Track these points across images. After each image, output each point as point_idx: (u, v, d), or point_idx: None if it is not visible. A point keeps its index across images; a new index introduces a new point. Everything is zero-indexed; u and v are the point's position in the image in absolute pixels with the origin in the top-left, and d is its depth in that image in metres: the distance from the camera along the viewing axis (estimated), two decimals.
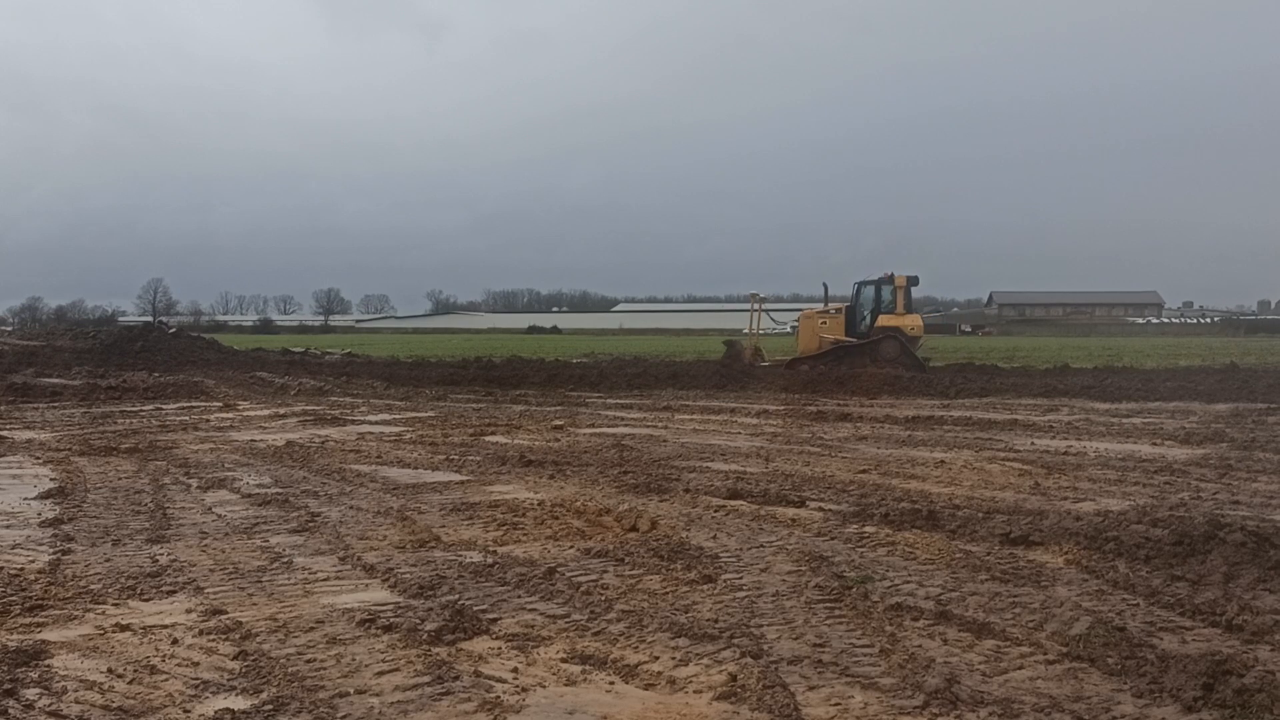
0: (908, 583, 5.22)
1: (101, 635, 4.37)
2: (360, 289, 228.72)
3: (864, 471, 9.21)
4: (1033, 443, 11.56)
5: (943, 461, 9.87)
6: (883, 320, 25.08)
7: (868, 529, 6.54)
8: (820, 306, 27.10)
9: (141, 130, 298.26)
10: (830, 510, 7.20)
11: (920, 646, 4.23)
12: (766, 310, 29.21)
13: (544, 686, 3.81)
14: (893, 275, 25.28)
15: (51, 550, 5.96)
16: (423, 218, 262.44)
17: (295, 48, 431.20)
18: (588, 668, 4.00)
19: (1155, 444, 11.40)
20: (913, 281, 25.43)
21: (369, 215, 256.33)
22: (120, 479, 8.75)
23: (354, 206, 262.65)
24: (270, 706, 3.56)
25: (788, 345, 28.22)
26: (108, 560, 5.72)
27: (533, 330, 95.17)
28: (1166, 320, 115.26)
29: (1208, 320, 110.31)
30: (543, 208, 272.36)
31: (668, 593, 5.05)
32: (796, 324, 27.29)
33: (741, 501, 7.53)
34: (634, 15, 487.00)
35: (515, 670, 3.96)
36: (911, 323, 25.27)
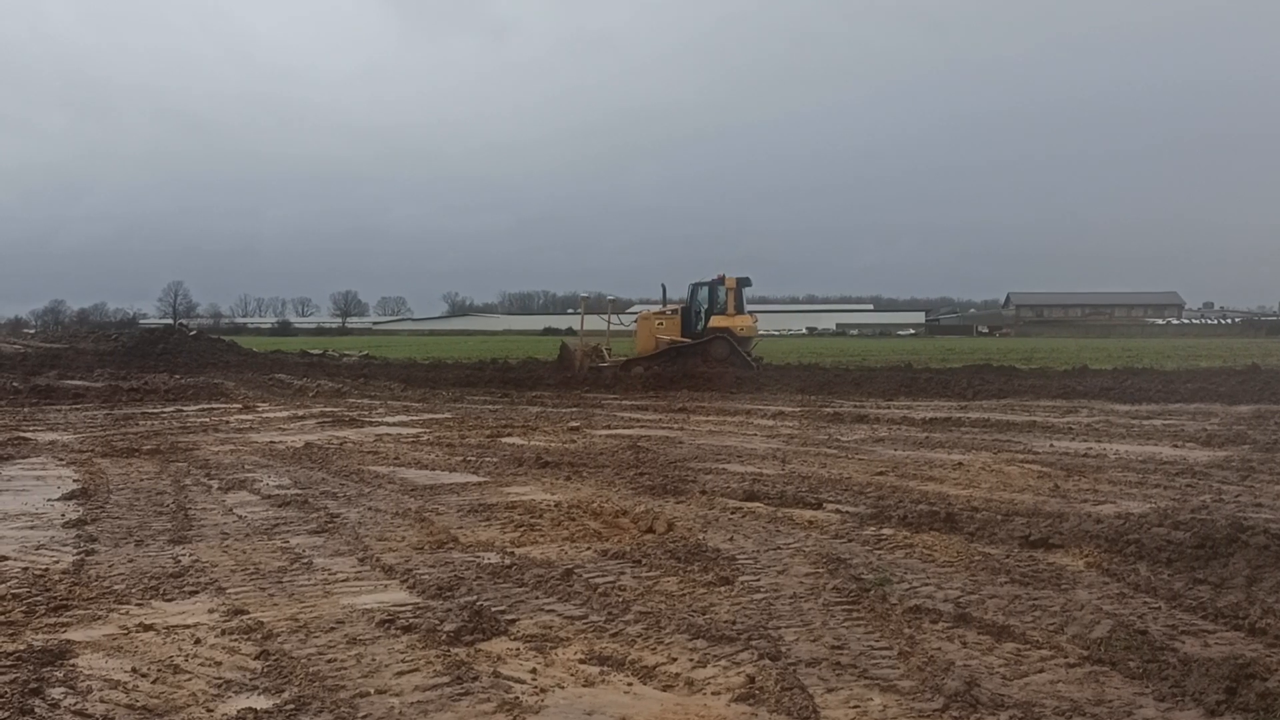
0: (926, 585, 5.20)
1: (125, 635, 4.41)
2: (380, 291, 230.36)
3: (881, 473, 9.19)
4: (1052, 444, 11.49)
5: (961, 463, 9.83)
6: (715, 321, 25.39)
7: (885, 531, 6.52)
8: (658, 308, 27.17)
9: (199, 136, 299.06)
10: (848, 512, 7.18)
11: (939, 649, 4.22)
12: (615, 313, 29.06)
13: (562, 687, 3.82)
14: (724, 276, 25.56)
15: (75, 551, 6.02)
16: (465, 222, 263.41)
17: (365, 53, 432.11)
18: (606, 669, 4.01)
19: (1176, 446, 11.31)
20: (744, 283, 25.87)
21: (413, 220, 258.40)
22: (142, 480, 8.83)
23: (400, 212, 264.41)
24: (292, 706, 3.59)
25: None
26: (131, 561, 5.78)
27: (548, 332, 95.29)
28: (1187, 321, 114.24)
29: (1228, 321, 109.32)
30: (586, 211, 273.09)
31: (685, 594, 5.05)
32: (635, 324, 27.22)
33: (758, 503, 7.52)
34: (701, 13, 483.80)
35: (534, 671, 3.98)
36: (742, 323, 25.59)
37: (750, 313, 26.67)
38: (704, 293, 25.90)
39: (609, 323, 28.01)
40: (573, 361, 25.38)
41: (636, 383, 21.65)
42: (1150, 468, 9.49)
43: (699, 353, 24.78)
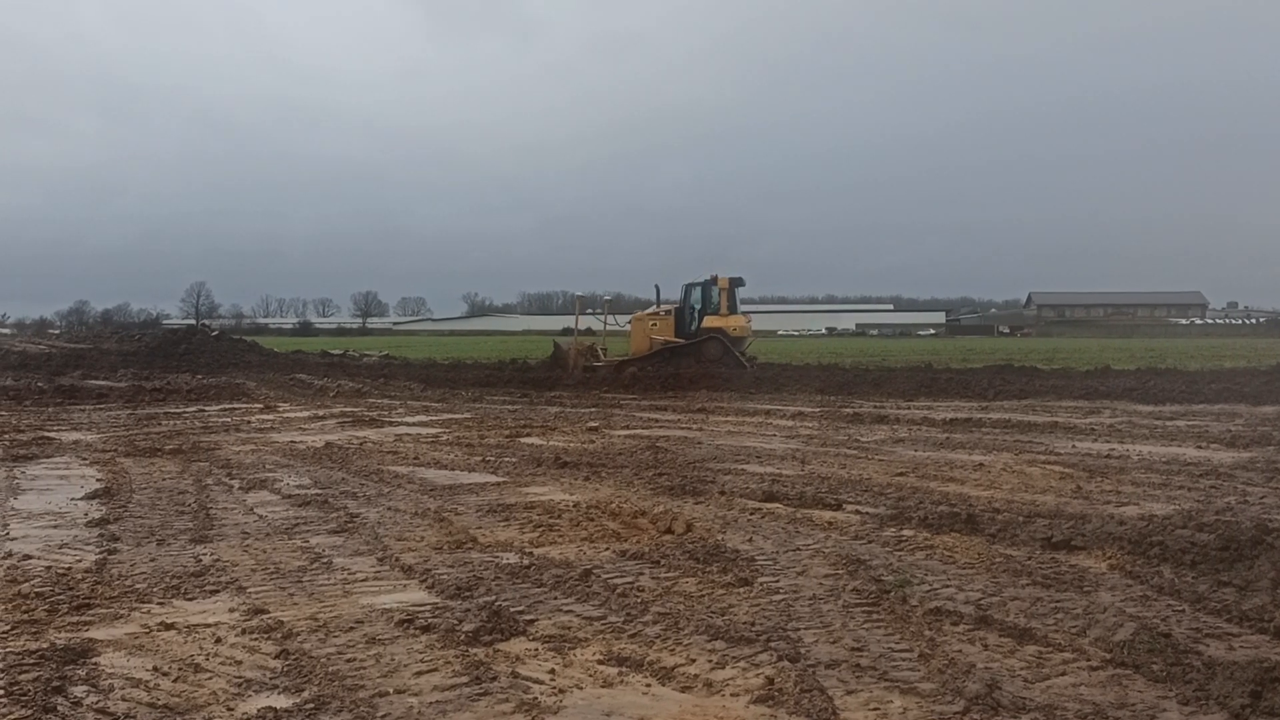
0: (947, 587, 5.17)
1: (147, 634, 4.45)
2: (400, 291, 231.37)
3: (901, 474, 9.14)
4: (1074, 445, 11.40)
5: (982, 464, 9.76)
6: (708, 321, 25.42)
7: (905, 532, 6.48)
8: (653, 309, 27.11)
9: (228, 137, 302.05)
10: (867, 513, 7.15)
11: (960, 651, 4.19)
12: (614, 313, 29.02)
13: (581, 688, 3.82)
14: (716, 277, 25.54)
15: (98, 550, 6.08)
16: (488, 222, 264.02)
17: (393, 55, 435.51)
18: (624, 670, 4.01)
19: (1200, 447, 11.19)
20: (737, 283, 25.89)
21: (436, 221, 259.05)
22: (164, 480, 8.90)
23: (424, 212, 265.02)
24: (311, 705, 3.60)
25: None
26: (152, 560, 5.83)
27: (567, 332, 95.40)
28: (1210, 321, 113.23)
29: (1253, 321, 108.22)
30: (609, 212, 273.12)
31: (704, 595, 5.04)
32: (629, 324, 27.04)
33: (777, 504, 7.50)
34: (727, 14, 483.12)
35: (552, 671, 3.98)
36: (735, 323, 25.57)
37: (744, 313, 26.66)
38: (697, 293, 25.96)
39: (604, 323, 28.03)
40: (566, 361, 25.35)
41: (628, 384, 21.62)
42: (1174, 469, 9.40)
43: (692, 353, 24.84)
